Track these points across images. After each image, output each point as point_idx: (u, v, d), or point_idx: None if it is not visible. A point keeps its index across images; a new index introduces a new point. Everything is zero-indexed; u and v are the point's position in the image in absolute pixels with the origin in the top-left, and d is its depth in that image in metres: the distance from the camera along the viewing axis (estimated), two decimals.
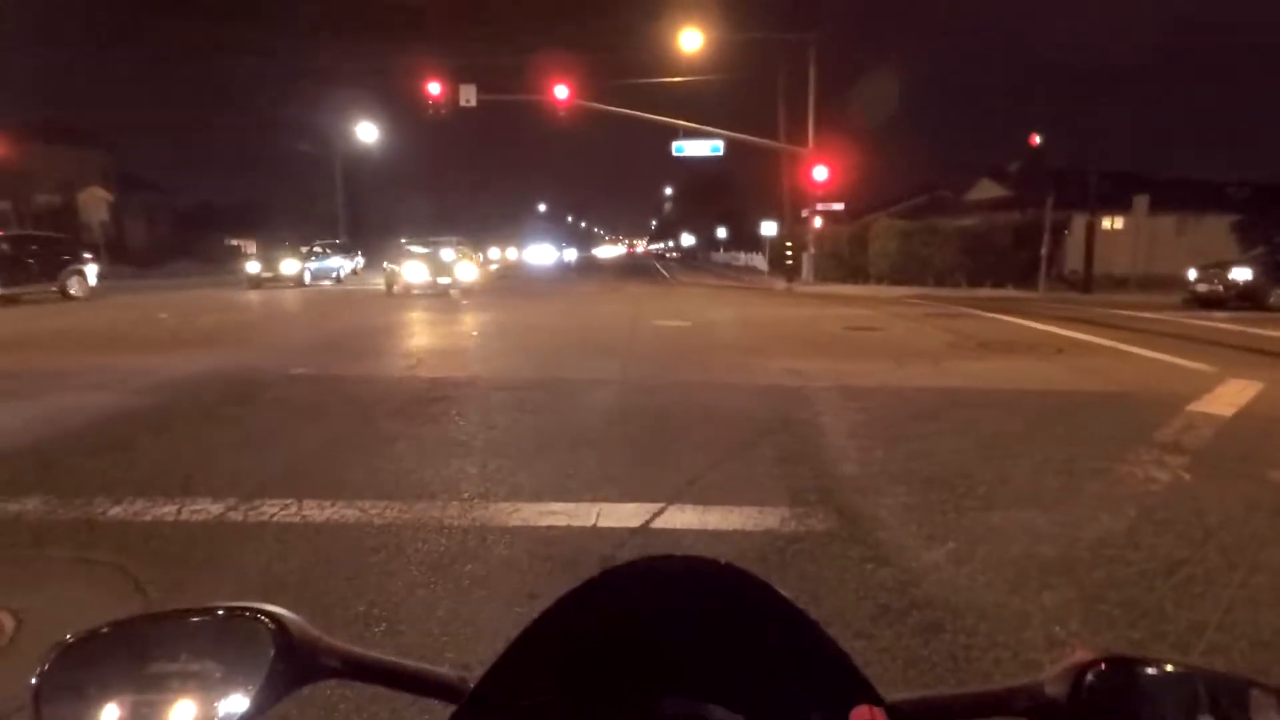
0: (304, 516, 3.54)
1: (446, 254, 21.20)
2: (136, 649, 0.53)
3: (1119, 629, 2.55)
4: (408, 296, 18.37)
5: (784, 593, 0.57)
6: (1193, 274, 16.77)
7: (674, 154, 24.18)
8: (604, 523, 3.51)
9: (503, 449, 4.83)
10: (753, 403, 6.26)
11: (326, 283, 25.74)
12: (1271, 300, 15.30)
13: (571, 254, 70.86)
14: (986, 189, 36.54)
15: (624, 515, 3.60)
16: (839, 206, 25.73)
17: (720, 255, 55.78)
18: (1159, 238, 24.58)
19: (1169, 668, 0.48)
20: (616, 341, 10.36)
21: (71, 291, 17.82)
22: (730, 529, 3.46)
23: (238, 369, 7.76)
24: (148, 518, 3.51)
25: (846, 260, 25.91)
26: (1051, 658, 2.33)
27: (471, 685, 0.56)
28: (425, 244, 22.36)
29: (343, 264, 28.64)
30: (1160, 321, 13.19)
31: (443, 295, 18.63)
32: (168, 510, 3.59)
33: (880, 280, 24.33)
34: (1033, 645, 2.44)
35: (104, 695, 0.51)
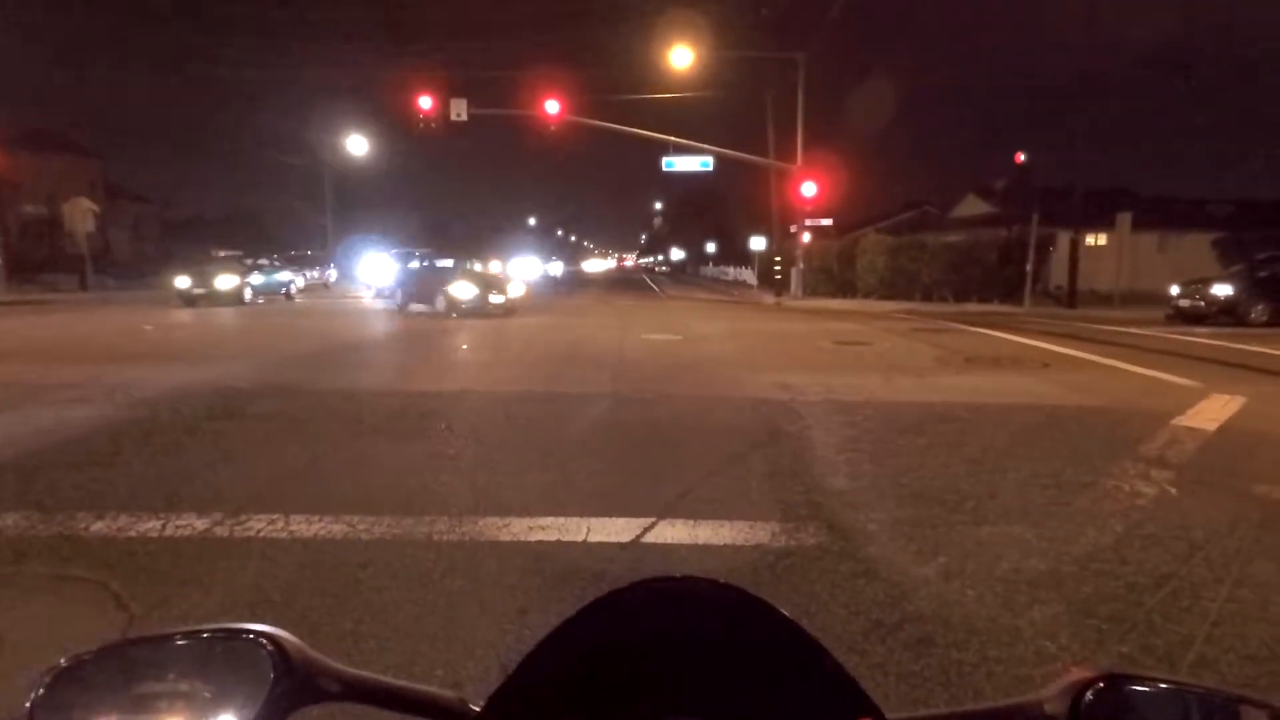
0: (291, 532, 3.50)
1: (496, 268, 20.15)
2: (132, 672, 0.52)
3: (1108, 643, 2.56)
4: (402, 314, 17.51)
5: (782, 610, 0.57)
6: (1175, 290, 17.02)
7: (664, 169, 24.32)
8: (594, 538, 3.49)
9: (492, 463, 4.81)
10: (743, 416, 6.27)
11: (262, 299, 21.84)
12: (1252, 316, 15.54)
13: (557, 268, 69.70)
14: (973, 205, 36.98)
15: (614, 530, 3.58)
16: (827, 222, 25.97)
17: (710, 269, 56.07)
18: (1142, 254, 24.93)
19: (1163, 685, 0.49)
20: (606, 355, 10.36)
21: None
22: (721, 543, 3.46)
23: None
24: (131, 533, 3.47)
25: (835, 275, 26.09)
26: (1042, 672, 2.34)
27: (472, 708, 0.56)
28: (421, 256, 21.37)
29: (293, 279, 25.30)
30: (1143, 337, 13.35)
31: (488, 315, 16.82)
32: (151, 526, 3.55)
33: (868, 295, 24.50)
34: (1023, 660, 2.44)
35: (97, 718, 0.50)
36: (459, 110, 21.47)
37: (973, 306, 21.17)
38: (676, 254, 73.74)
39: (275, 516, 3.67)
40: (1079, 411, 6.63)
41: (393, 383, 7.90)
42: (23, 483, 4.19)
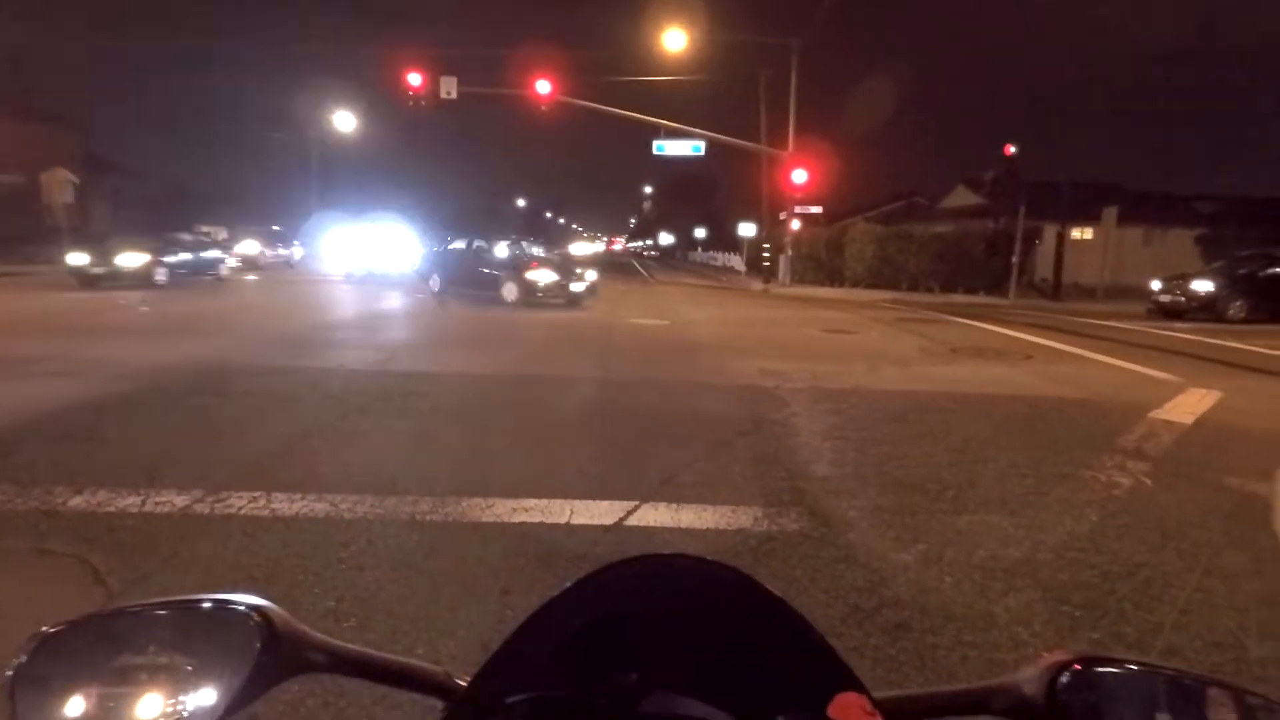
0: (273, 510, 3.49)
1: (579, 250, 17.94)
2: (115, 641, 0.52)
3: (1080, 630, 2.62)
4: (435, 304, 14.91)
5: (766, 585, 0.58)
6: (1156, 285, 17.19)
7: (655, 153, 24.17)
8: (578, 520, 3.51)
9: (476, 444, 4.80)
10: (728, 403, 6.29)
11: (177, 277, 18.54)
12: (1230, 312, 15.74)
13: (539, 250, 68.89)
14: (962, 196, 37.08)
15: (598, 513, 3.60)
16: (817, 210, 25.95)
17: (699, 255, 55.99)
18: (1127, 248, 25.16)
19: (1136, 668, 0.50)
20: (593, 339, 10.34)
21: None
22: (704, 528, 3.48)
23: None
24: (110, 509, 3.44)
25: (823, 263, 26.13)
26: (1015, 657, 2.38)
27: (457, 681, 0.56)
28: (463, 238, 18.29)
29: (223, 258, 22.13)
30: (1125, 330, 13.50)
31: (561, 306, 15.12)
32: (131, 501, 3.52)
33: (856, 284, 24.58)
34: (998, 645, 2.49)
35: (80, 687, 0.50)
36: (448, 88, 21.18)
37: (959, 297, 21.31)
38: (665, 238, 73.51)
39: (257, 494, 3.65)
40: (1059, 403, 6.71)
41: (380, 365, 7.85)
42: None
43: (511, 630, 0.57)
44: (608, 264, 43.42)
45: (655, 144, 23.92)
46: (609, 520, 3.51)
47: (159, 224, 25.32)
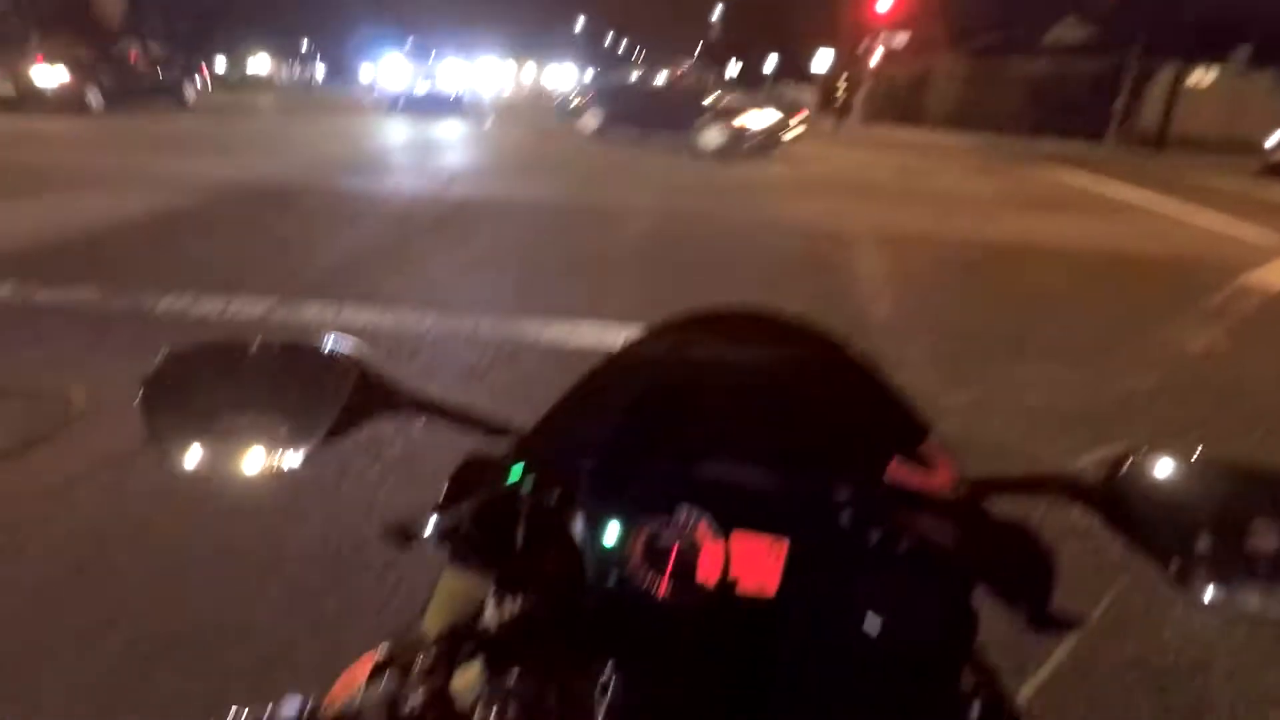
0: (343, 320, 3.67)
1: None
2: (232, 367, 0.57)
3: None
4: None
5: (838, 335, 0.58)
6: (1273, 140, 15.46)
7: None
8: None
9: (537, 268, 4.87)
10: (789, 244, 6.14)
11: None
12: None
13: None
14: (1070, 29, 33.06)
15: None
16: (902, 39, 23.59)
17: (771, 88, 52.33)
18: (1251, 96, 22.44)
19: (1196, 459, 0.49)
20: (655, 173, 10.04)
21: None
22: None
23: None
24: (196, 313, 3.67)
25: (902, 102, 24.20)
26: None
27: (522, 429, 0.60)
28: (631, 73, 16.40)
29: (183, 78, 17.26)
30: (1230, 190, 12.39)
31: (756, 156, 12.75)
32: (214, 306, 3.74)
33: (937, 125, 22.83)
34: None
35: (198, 402, 0.55)
36: None
37: (1050, 144, 19.66)
38: (734, 69, 68.62)
39: (330, 304, 3.83)
40: (1143, 260, 6.34)
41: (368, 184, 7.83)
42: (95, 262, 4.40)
43: (578, 384, 0.59)
44: None
45: None
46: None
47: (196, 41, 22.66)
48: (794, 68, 43.11)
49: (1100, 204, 9.53)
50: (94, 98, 14.11)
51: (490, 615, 0.49)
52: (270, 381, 0.56)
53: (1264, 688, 1.78)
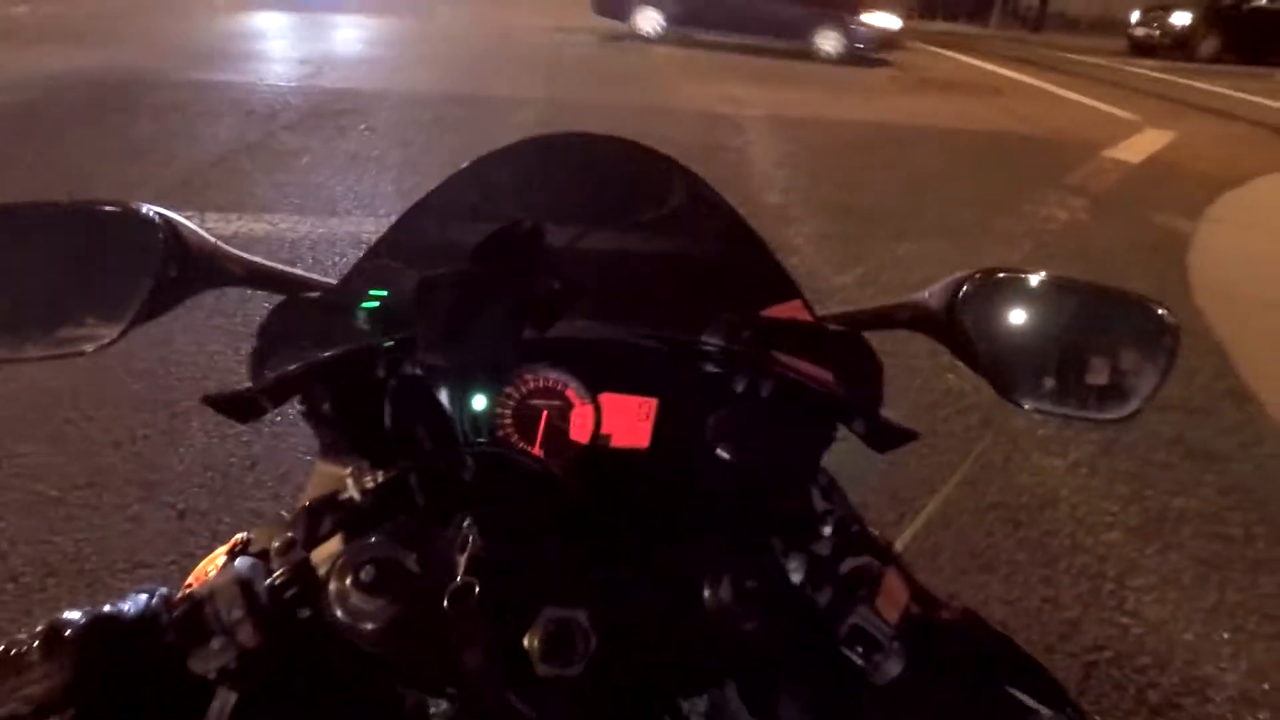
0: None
1: None
2: (20, 238, 0.48)
3: None
4: None
5: (695, 177, 0.57)
6: (1134, 16, 16.17)
7: None
8: None
9: (418, 167, 4.59)
10: (681, 130, 6.01)
11: None
12: (1201, 49, 15.10)
13: None
14: None
15: None
16: None
17: None
18: None
19: (1035, 277, 0.52)
20: (540, 57, 9.48)
21: None
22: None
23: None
24: None
25: None
26: (930, 363, 2.61)
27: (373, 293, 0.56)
28: None
29: None
30: (1101, 67, 12.97)
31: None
32: None
33: None
34: (918, 353, 2.72)
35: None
36: None
37: (937, 25, 19.83)
38: None
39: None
40: (1018, 139, 6.63)
41: (307, 80, 7.13)
42: None
43: (404, 218, 0.54)
44: None
45: None
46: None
47: None
48: None
49: (980, 84, 9.80)
50: None
51: (352, 489, 0.48)
52: (67, 251, 0.49)
53: (1098, 515, 2.04)
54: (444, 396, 0.51)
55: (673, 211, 0.59)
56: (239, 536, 0.47)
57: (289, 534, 0.45)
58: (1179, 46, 15.10)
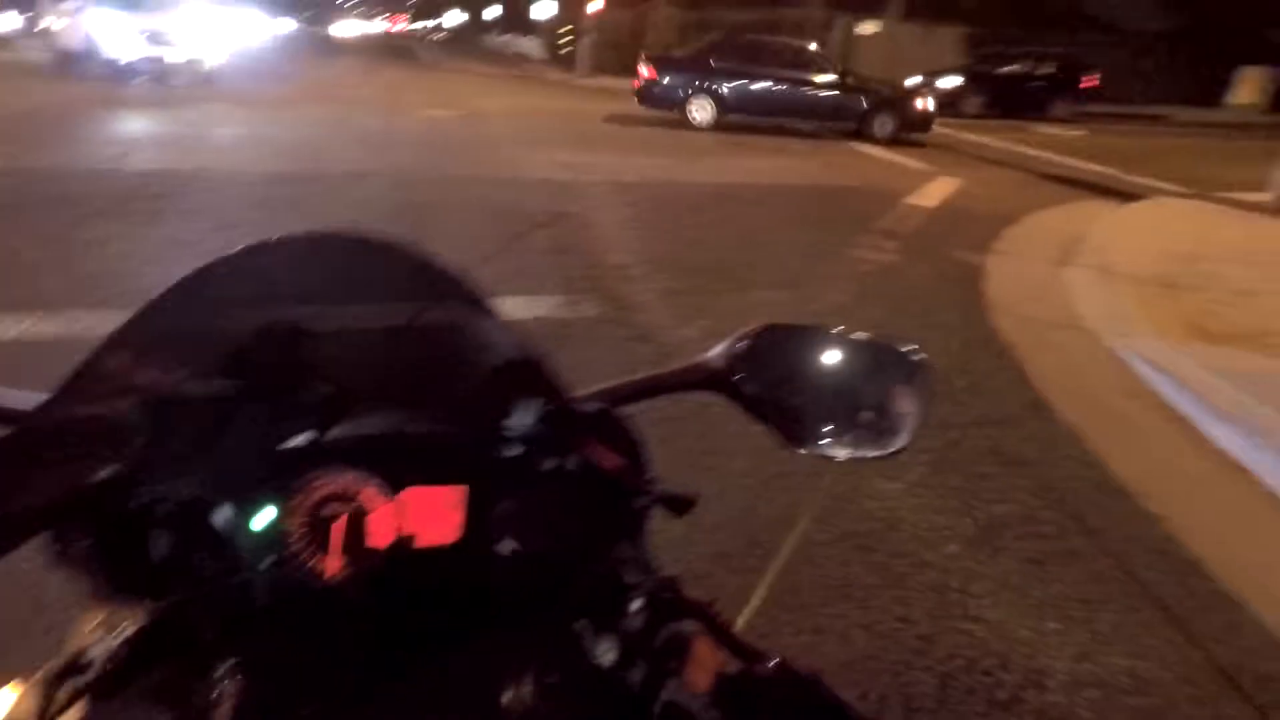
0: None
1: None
2: None
3: None
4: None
5: (440, 262, 0.55)
6: (910, 82, 18.59)
7: None
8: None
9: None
10: (524, 196, 6.11)
11: None
12: (966, 108, 17.66)
13: (289, 26, 51.51)
14: None
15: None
16: None
17: (496, 39, 50.91)
18: (907, 45, 26.56)
19: (810, 330, 0.56)
20: (374, 131, 9.33)
21: None
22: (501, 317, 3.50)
23: None
24: None
25: (626, 50, 24.97)
26: None
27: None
28: None
29: None
30: None
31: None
32: None
33: None
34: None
35: None
36: None
37: None
38: (454, 18, 65.47)
39: None
40: (834, 190, 7.31)
41: (115, 162, 6.55)
42: None
43: (135, 318, 0.49)
44: (384, 49, 38.29)
45: None
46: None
47: None
48: (517, 16, 42.34)
49: (791, 146, 10.74)
50: None
51: (106, 640, 0.41)
52: None
53: (937, 531, 2.21)
54: (220, 519, 0.45)
55: (419, 291, 0.57)
56: None
57: (25, 705, 0.38)
58: (950, 104, 17.46)
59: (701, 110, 11.58)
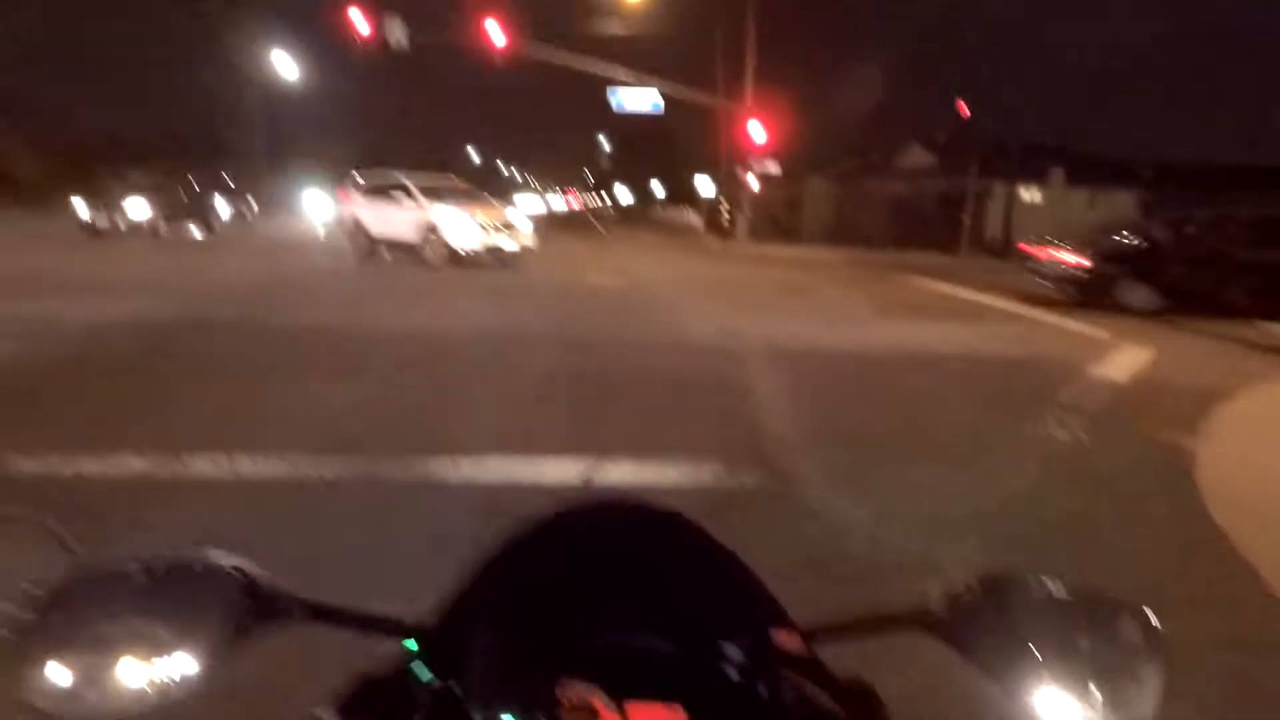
0: (236, 472, 3.46)
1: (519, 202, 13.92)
2: (105, 599, 0.54)
3: None
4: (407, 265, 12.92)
5: (703, 526, 0.63)
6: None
7: (614, 109, 23.74)
8: (545, 479, 3.57)
9: (440, 404, 4.80)
10: (688, 362, 6.38)
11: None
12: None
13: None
14: (916, 155, 37.40)
15: (562, 471, 3.66)
16: (774, 168, 25.95)
17: (659, 212, 55.57)
18: (1073, 209, 25.88)
19: (1031, 582, 0.57)
20: (551, 297, 10.29)
21: None
22: (667, 485, 3.58)
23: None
24: (69, 473, 3.37)
25: (781, 221, 26.30)
26: None
27: (423, 625, 0.60)
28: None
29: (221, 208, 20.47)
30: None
31: (486, 266, 12.96)
32: (93, 466, 3.45)
33: (813, 242, 24.83)
34: None
35: (73, 647, 0.51)
36: (396, 33, 20.34)
37: (913, 255, 21.70)
38: (622, 193, 72.61)
39: (219, 457, 3.61)
40: (1006, 361, 6.98)
41: (332, 321, 7.70)
42: None
43: (466, 575, 0.60)
44: (564, 222, 42.81)
45: (612, 98, 23.48)
46: (575, 478, 3.58)
47: (90, 174, 21.88)
48: (679, 191, 46.23)
49: (961, 309, 10.51)
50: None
51: None
52: (149, 609, 0.53)
53: None
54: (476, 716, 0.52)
55: (672, 541, 0.65)
56: None
57: None
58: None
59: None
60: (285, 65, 32.45)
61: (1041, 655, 0.54)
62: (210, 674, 0.51)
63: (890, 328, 8.73)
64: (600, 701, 0.51)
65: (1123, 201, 28.84)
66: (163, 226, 17.05)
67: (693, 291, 11.85)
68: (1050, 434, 4.63)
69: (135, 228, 16.56)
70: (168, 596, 0.54)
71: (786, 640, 0.59)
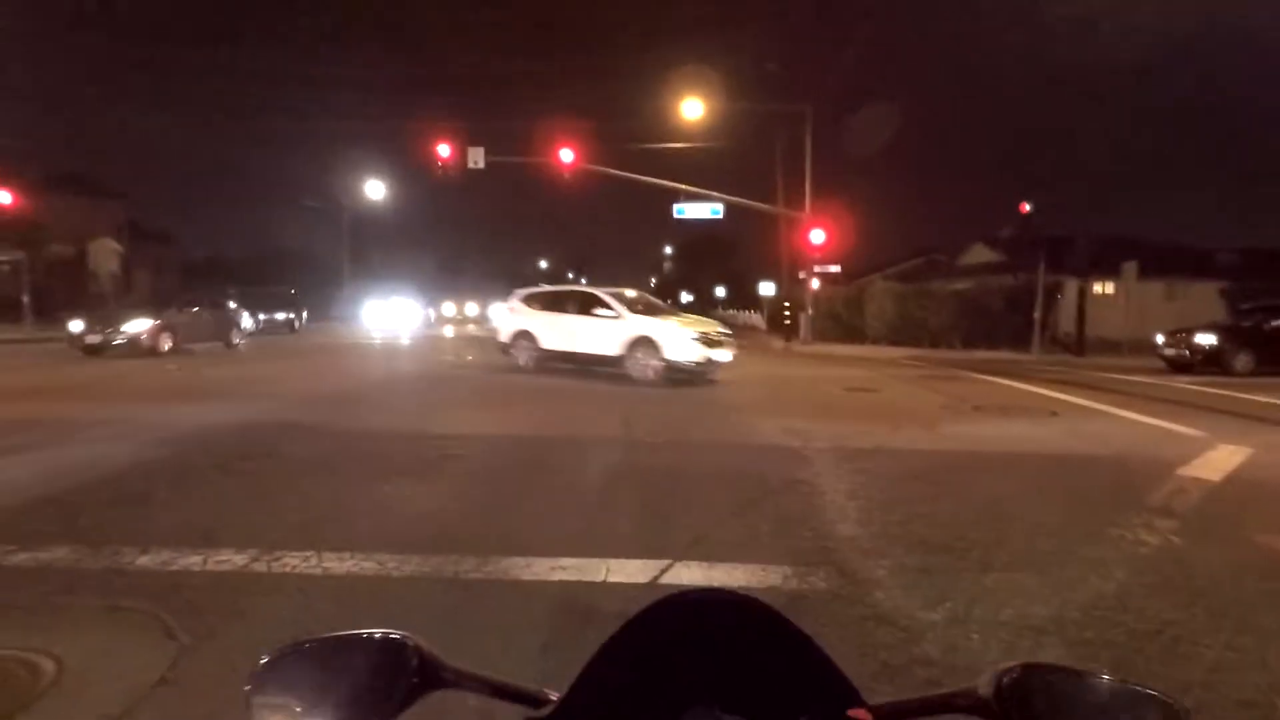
0: (325, 569, 3.67)
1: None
2: (316, 665, 0.69)
3: None
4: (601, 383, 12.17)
5: (782, 613, 0.75)
6: (1160, 339, 17.07)
7: (675, 216, 24.85)
8: (614, 578, 3.63)
9: (512, 505, 4.96)
10: (755, 462, 6.41)
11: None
12: (1237, 365, 15.52)
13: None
14: (980, 254, 37.35)
15: (632, 571, 3.72)
16: (835, 269, 26.32)
17: (721, 313, 56.44)
18: (1150, 302, 25.09)
19: (1074, 672, 0.65)
20: (619, 399, 10.53)
21: None
22: (735, 585, 3.58)
23: None
24: (174, 567, 3.64)
25: (843, 321, 26.33)
26: None
27: (550, 696, 0.73)
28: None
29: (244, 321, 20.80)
30: (1149, 385, 13.41)
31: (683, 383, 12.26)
32: (194, 560, 3.72)
33: (876, 341, 24.68)
34: None
35: (297, 705, 0.66)
36: (476, 158, 22.16)
37: (981, 353, 21.27)
38: (686, 299, 74.27)
39: (309, 554, 3.84)
40: (1085, 460, 6.73)
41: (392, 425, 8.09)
42: (67, 518, 4.39)
43: (589, 658, 0.74)
44: None
45: (675, 207, 24.64)
46: (644, 579, 3.64)
47: (199, 290, 24.22)
48: (741, 294, 47.03)
49: (1035, 408, 10.21)
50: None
51: None
52: (345, 673, 0.68)
53: None
54: None
55: (762, 629, 0.75)
56: None
57: None
58: (1212, 362, 15.62)
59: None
60: (375, 189, 35.50)
61: None
62: None
63: (961, 427, 8.56)
64: None
65: (1199, 291, 27.87)
66: (164, 342, 16.97)
67: (757, 391, 11.91)
68: (1139, 537, 4.42)
69: (134, 340, 16.38)
70: (362, 667, 0.69)
71: (858, 717, 0.69)
